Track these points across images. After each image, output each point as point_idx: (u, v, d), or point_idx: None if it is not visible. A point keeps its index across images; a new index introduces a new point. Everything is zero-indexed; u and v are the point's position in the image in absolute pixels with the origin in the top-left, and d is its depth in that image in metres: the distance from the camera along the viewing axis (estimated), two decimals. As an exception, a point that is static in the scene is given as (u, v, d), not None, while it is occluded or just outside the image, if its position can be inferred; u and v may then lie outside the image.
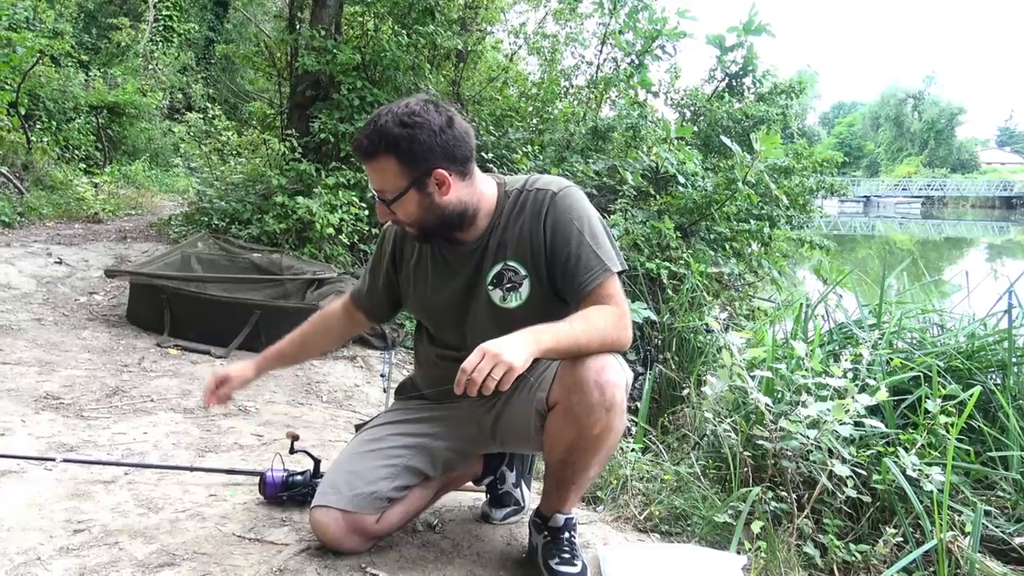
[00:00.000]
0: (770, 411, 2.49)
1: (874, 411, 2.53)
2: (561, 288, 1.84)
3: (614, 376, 1.70)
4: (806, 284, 7.04)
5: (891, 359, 2.97)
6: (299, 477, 2.29)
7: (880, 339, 3.00)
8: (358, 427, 2.20)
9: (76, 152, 11.57)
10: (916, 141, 73.46)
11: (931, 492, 2.28)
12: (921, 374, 2.92)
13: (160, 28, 17.92)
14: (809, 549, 2.30)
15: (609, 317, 1.73)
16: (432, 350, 2.08)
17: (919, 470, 2.32)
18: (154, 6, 17.56)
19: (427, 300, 2.00)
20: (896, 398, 2.81)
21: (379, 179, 1.79)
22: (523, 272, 1.87)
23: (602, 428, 1.72)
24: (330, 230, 5.97)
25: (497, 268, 1.89)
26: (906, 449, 2.45)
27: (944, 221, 42.00)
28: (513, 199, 1.89)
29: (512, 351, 1.56)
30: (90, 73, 14.05)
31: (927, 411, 2.57)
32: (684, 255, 5.29)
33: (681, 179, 5.88)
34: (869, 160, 76.53)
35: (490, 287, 1.89)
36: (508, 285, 1.87)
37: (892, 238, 25.76)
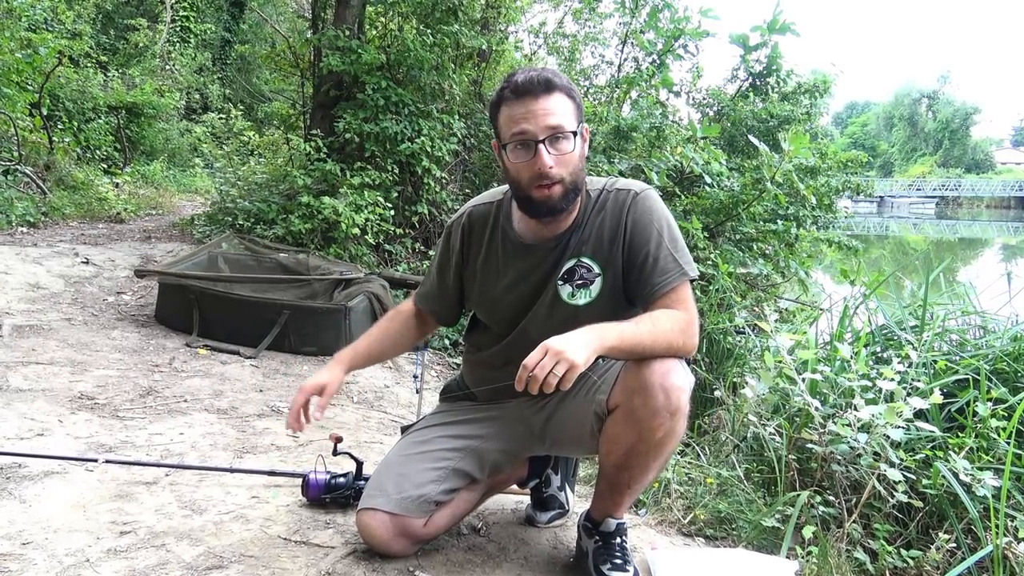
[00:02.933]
0: (819, 413, 2.46)
1: (918, 415, 2.49)
2: (634, 288, 1.81)
3: (679, 380, 1.67)
4: (822, 285, 6.97)
5: (935, 361, 2.92)
6: (342, 479, 2.27)
7: (926, 341, 2.95)
8: (404, 429, 2.18)
9: (96, 152, 11.62)
10: (930, 141, 73.02)
11: (984, 497, 2.24)
12: (965, 377, 2.87)
13: (177, 29, 18.00)
14: (860, 555, 2.26)
15: (677, 321, 1.70)
16: (486, 351, 2.05)
17: (971, 475, 2.28)
18: (171, 7, 17.64)
19: (495, 296, 1.96)
20: (941, 401, 2.77)
21: (557, 114, 1.72)
22: (596, 270, 1.84)
23: (665, 432, 1.69)
24: (355, 230, 5.97)
25: (570, 264, 1.86)
26: (955, 453, 2.41)
27: (959, 221, 41.69)
28: (594, 199, 1.87)
29: (575, 349, 1.53)
30: (108, 74, 14.13)
31: (975, 414, 2.53)
32: (712, 255, 5.25)
33: (707, 179, 5.83)
34: (883, 160, 76.03)
35: (560, 282, 1.86)
36: (579, 282, 1.85)
37: (906, 239, 25.55)
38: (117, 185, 9.97)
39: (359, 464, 2.29)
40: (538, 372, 1.51)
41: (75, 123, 11.50)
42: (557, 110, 1.72)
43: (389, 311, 2.24)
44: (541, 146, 1.71)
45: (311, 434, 3.04)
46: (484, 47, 7.37)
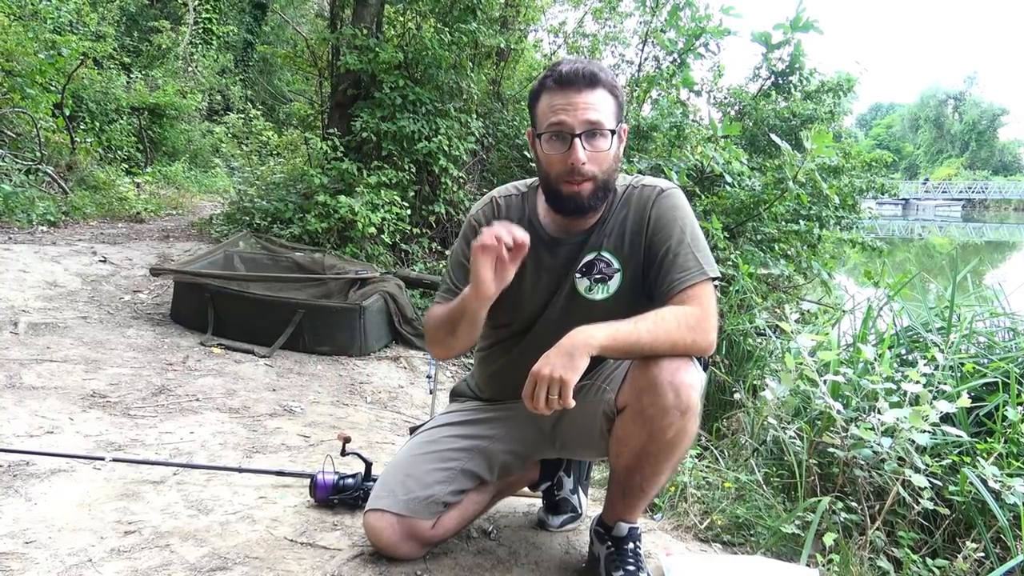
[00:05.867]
0: (841, 417, 2.38)
1: (944, 419, 2.41)
2: (653, 284, 1.76)
3: (689, 377, 1.61)
4: (844, 287, 6.86)
5: (963, 364, 2.83)
6: (350, 480, 2.24)
7: (953, 343, 2.87)
8: (413, 430, 2.13)
9: (118, 153, 11.71)
10: (956, 143, 72.24)
11: (1014, 504, 2.16)
12: (994, 380, 2.78)
13: (200, 31, 18.14)
14: (883, 563, 2.18)
15: (685, 318, 1.65)
16: (502, 346, 1.99)
17: (1000, 481, 2.20)
18: (194, 9, 17.77)
19: (513, 292, 1.85)
20: (969, 405, 2.68)
21: (598, 110, 1.69)
22: (616, 266, 1.80)
23: (676, 432, 1.63)
24: (372, 229, 5.94)
25: (590, 257, 1.82)
26: (983, 458, 2.33)
27: (986, 224, 41.15)
28: (620, 195, 1.84)
29: (559, 365, 1.55)
30: (131, 75, 14.24)
31: (1005, 418, 2.44)
32: (732, 256, 5.17)
33: (728, 179, 5.75)
34: (908, 162, 75.25)
35: (577, 275, 1.82)
36: (597, 276, 1.81)
37: (931, 241, 25.24)
38: (138, 185, 10.04)
39: (368, 465, 2.26)
40: (537, 404, 1.56)
41: (98, 124, 11.60)
42: (598, 106, 1.69)
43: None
44: (577, 140, 1.69)
45: (321, 434, 3.02)
46: (503, 46, 7.33)
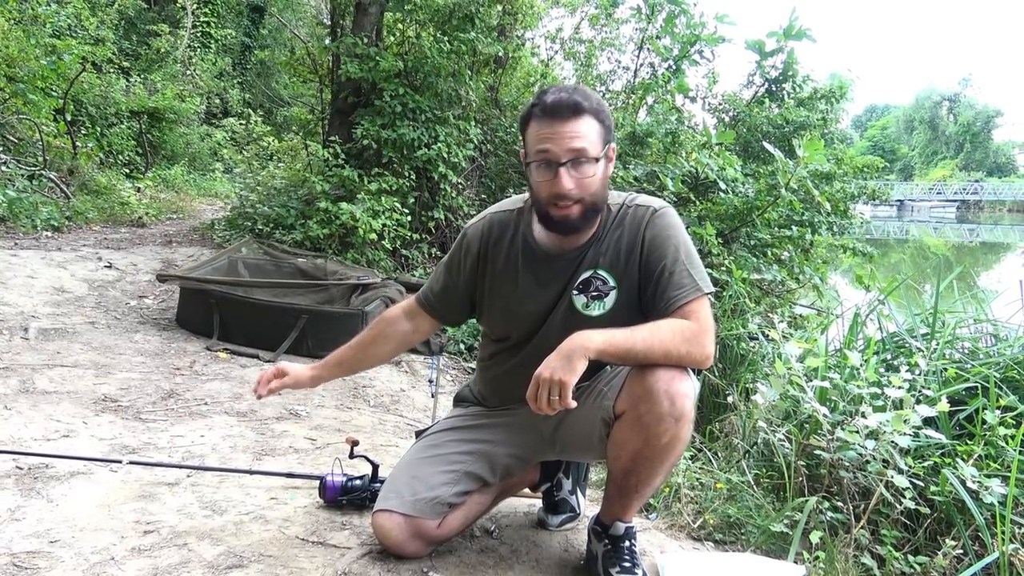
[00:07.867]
0: (827, 420, 2.48)
1: (927, 422, 2.51)
2: (649, 302, 1.84)
3: (684, 386, 1.70)
4: (838, 291, 6.95)
5: (946, 369, 2.94)
6: (358, 481, 2.32)
7: (936, 349, 2.97)
8: (418, 433, 2.23)
9: (118, 157, 11.78)
10: (951, 144, 72.31)
11: (991, 504, 2.26)
12: (976, 384, 2.88)
13: (198, 34, 18.18)
14: (867, 560, 2.29)
15: (680, 331, 1.73)
16: (501, 358, 2.08)
17: (978, 482, 2.30)
18: (192, 13, 17.82)
19: (513, 303, 1.99)
20: (951, 409, 2.78)
21: (583, 137, 1.76)
22: (611, 283, 1.88)
23: (670, 438, 1.73)
24: (372, 235, 6.04)
25: (586, 275, 1.90)
26: (963, 460, 2.43)
27: (980, 225, 41.31)
28: (614, 213, 1.92)
29: (559, 367, 1.64)
30: (131, 79, 14.30)
31: (984, 422, 2.55)
32: (726, 262, 5.26)
33: (722, 185, 5.85)
34: (903, 164, 75.37)
35: (575, 292, 1.90)
36: (594, 293, 1.89)
37: (926, 243, 25.35)
38: (139, 189, 10.12)
39: (375, 467, 2.34)
40: (540, 404, 1.65)
41: (98, 128, 11.67)
42: (582, 134, 1.76)
43: (376, 318, 2.24)
44: (562, 169, 1.76)
45: (326, 436, 3.11)
46: (501, 53, 7.43)
